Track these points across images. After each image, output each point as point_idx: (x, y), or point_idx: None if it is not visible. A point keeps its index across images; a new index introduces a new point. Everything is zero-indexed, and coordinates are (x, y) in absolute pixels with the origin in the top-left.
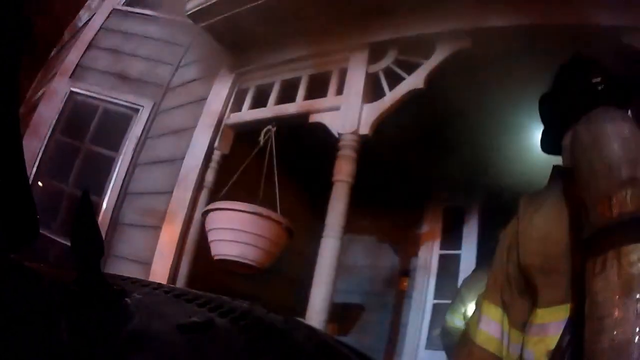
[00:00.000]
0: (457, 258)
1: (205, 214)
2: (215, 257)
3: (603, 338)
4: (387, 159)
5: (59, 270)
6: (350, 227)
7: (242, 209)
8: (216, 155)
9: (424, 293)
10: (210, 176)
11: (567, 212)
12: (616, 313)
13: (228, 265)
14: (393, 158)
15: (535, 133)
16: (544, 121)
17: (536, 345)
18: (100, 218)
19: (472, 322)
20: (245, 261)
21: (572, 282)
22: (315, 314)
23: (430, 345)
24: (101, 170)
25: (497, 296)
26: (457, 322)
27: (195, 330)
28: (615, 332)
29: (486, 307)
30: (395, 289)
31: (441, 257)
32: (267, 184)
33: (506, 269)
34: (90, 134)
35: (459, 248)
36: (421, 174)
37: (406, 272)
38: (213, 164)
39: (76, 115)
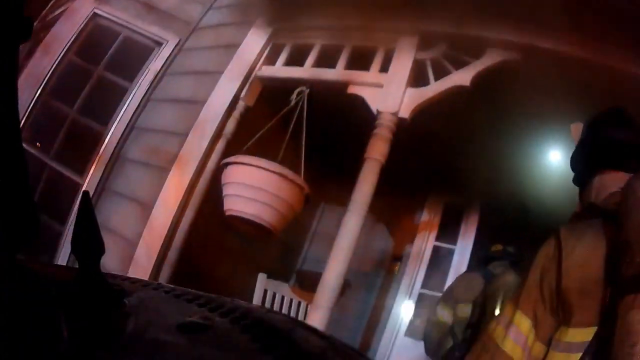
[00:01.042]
0: (451, 252)
1: (224, 165)
2: (227, 213)
3: None
4: (402, 142)
5: (59, 270)
6: (349, 200)
7: (268, 167)
8: (240, 106)
9: (413, 281)
10: (230, 126)
11: (604, 246)
12: None
13: (238, 224)
14: (407, 143)
15: (546, 158)
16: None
17: None
18: (102, 150)
19: (500, 328)
20: (260, 222)
21: (601, 311)
22: (328, 289)
23: (410, 333)
24: (111, 99)
25: (529, 309)
26: (446, 317)
27: (195, 330)
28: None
29: (518, 318)
30: (385, 272)
31: (435, 248)
32: (288, 146)
33: (540, 288)
34: (106, 60)
35: (454, 243)
36: (432, 166)
37: (398, 257)
38: (235, 114)
39: (94, 39)
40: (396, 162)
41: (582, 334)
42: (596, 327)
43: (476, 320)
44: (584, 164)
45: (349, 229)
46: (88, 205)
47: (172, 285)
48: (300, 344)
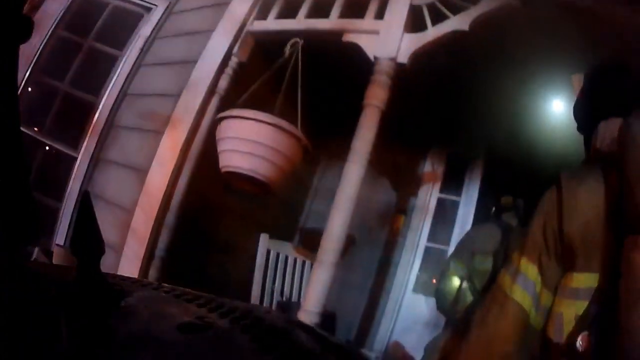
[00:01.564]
0: (455, 204)
1: (219, 120)
2: (223, 169)
3: None
4: (402, 92)
5: (59, 270)
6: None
7: (263, 119)
8: (233, 62)
9: (418, 235)
10: (224, 83)
11: (605, 190)
12: None
13: (235, 180)
14: (407, 93)
15: (549, 105)
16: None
17: (568, 308)
18: (94, 120)
19: (507, 277)
20: (257, 176)
21: (604, 256)
22: (331, 242)
23: (418, 289)
24: (102, 69)
25: (535, 257)
26: (460, 271)
27: (195, 330)
28: None
29: (524, 265)
30: (389, 226)
31: (440, 200)
32: (284, 99)
33: (544, 234)
34: (96, 31)
35: (459, 195)
36: (433, 116)
37: (402, 210)
38: (228, 70)
39: (83, 11)
40: (397, 113)
41: (588, 280)
42: (598, 275)
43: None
44: (587, 113)
45: (350, 179)
46: (88, 206)
47: (172, 286)
48: (299, 343)
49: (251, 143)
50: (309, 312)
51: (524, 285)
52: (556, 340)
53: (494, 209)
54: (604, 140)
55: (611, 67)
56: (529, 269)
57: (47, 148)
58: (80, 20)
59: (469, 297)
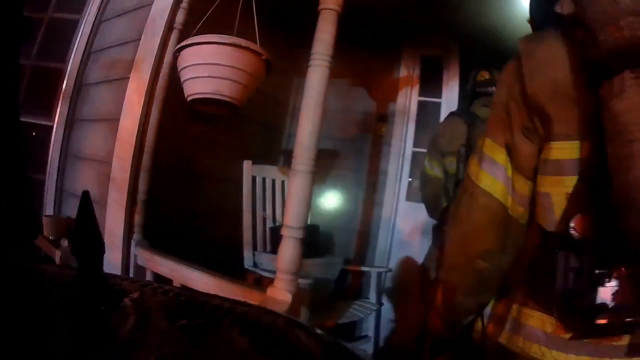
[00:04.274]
0: (437, 106)
1: (177, 52)
2: (189, 98)
3: (634, 164)
4: None
5: (59, 270)
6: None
7: (218, 40)
8: None
9: (403, 140)
10: (180, 17)
11: (567, 45)
12: None
13: (202, 106)
14: None
15: None
16: None
17: (554, 187)
18: (64, 84)
19: (474, 163)
20: (222, 97)
21: (582, 119)
22: (304, 149)
23: (410, 196)
24: (65, 35)
25: (500, 135)
26: (437, 171)
27: (195, 330)
28: None
29: (488, 146)
30: (372, 134)
31: (420, 104)
32: (242, 20)
33: (507, 108)
34: (54, 2)
35: (439, 97)
36: (400, 17)
37: (383, 117)
38: (184, 5)
39: None
40: (362, 18)
41: (570, 149)
42: (579, 143)
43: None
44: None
45: (314, 83)
46: (88, 206)
47: (171, 286)
48: (297, 344)
49: (210, 66)
50: (289, 229)
51: (491, 170)
52: (550, 228)
53: (467, 92)
54: (564, 3)
55: None
56: (495, 152)
57: (23, 125)
58: None
59: (444, 202)
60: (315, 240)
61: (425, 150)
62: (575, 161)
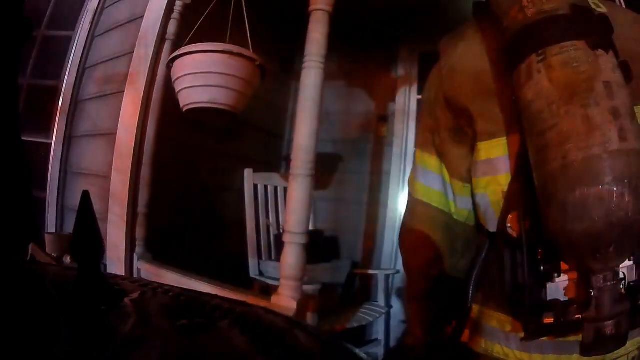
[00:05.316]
0: None
1: (170, 63)
2: (185, 108)
3: (551, 155)
4: None
5: (59, 270)
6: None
7: (210, 48)
8: (178, 5)
9: (404, 139)
10: (172, 28)
11: (483, 38)
12: (561, 124)
13: (199, 116)
14: None
15: None
16: None
17: (489, 187)
18: (60, 101)
19: (411, 177)
20: (218, 106)
21: (505, 115)
22: (302, 153)
23: None
24: (59, 52)
25: (429, 143)
26: None
27: (195, 330)
28: (568, 147)
29: (419, 157)
30: (373, 135)
31: (420, 102)
32: (234, 27)
33: (433, 113)
34: (47, 20)
35: None
36: (397, 16)
37: (384, 117)
38: (175, 15)
39: (32, 7)
40: (359, 18)
41: (498, 147)
42: (505, 139)
43: None
44: None
45: (309, 85)
46: (88, 206)
47: (171, 286)
48: (297, 344)
49: (204, 75)
50: (291, 235)
51: (425, 180)
52: (492, 228)
53: None
54: None
55: None
56: (426, 161)
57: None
58: (32, 14)
59: None
60: (319, 245)
61: None
62: (505, 158)
